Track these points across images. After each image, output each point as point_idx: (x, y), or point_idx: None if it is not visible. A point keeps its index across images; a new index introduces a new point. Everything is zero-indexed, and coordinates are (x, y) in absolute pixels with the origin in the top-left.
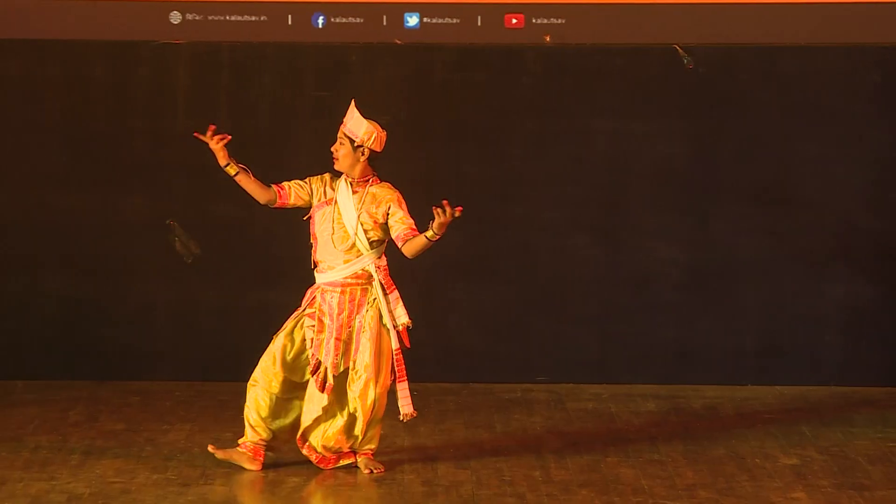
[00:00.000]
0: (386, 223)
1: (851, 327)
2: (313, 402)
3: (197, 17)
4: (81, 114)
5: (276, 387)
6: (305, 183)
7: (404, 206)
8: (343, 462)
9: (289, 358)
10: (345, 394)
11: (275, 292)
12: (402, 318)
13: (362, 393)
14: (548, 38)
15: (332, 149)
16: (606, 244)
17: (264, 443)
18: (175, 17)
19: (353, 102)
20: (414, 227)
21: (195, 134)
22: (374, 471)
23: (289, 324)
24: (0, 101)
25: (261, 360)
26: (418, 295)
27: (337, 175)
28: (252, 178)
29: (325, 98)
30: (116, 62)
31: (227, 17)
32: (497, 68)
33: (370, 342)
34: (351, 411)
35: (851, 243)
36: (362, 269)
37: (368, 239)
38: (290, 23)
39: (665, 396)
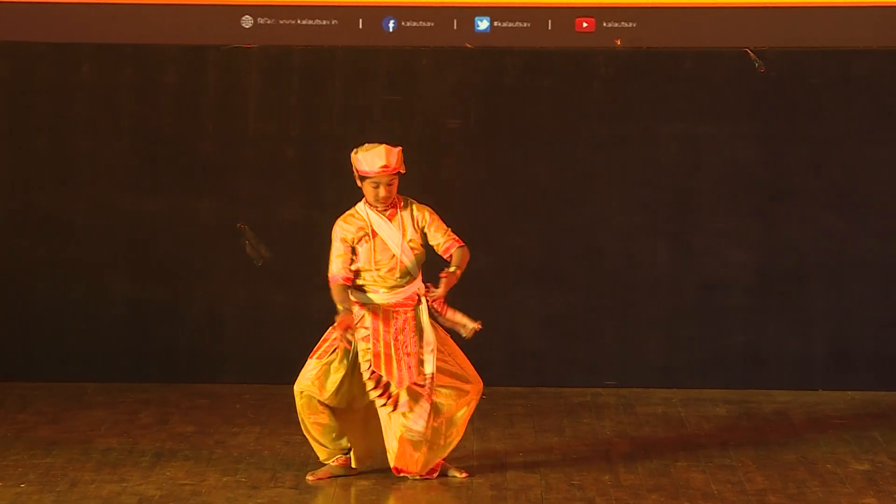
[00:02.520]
0: (423, 232)
1: None
2: (390, 427)
3: (268, 22)
4: (152, 117)
5: (330, 414)
6: (347, 244)
7: (437, 215)
8: (435, 473)
9: (345, 386)
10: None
11: None
12: (469, 323)
13: (457, 402)
14: (619, 42)
15: (384, 196)
16: (676, 248)
17: (344, 451)
18: (247, 22)
19: (353, 154)
20: (454, 237)
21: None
22: (460, 475)
23: (338, 352)
24: (72, 104)
25: (311, 384)
26: (486, 299)
27: (349, 212)
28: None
29: (396, 102)
30: (188, 66)
31: (299, 22)
32: (567, 72)
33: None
34: (436, 426)
35: None
36: (414, 292)
37: (417, 260)
38: (360, 27)
39: (735, 401)
